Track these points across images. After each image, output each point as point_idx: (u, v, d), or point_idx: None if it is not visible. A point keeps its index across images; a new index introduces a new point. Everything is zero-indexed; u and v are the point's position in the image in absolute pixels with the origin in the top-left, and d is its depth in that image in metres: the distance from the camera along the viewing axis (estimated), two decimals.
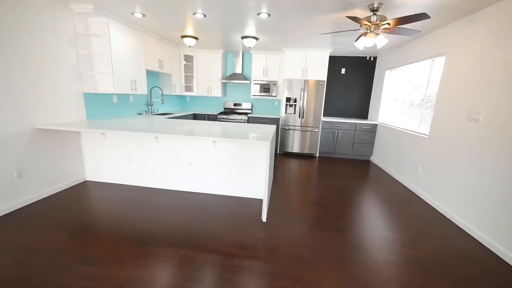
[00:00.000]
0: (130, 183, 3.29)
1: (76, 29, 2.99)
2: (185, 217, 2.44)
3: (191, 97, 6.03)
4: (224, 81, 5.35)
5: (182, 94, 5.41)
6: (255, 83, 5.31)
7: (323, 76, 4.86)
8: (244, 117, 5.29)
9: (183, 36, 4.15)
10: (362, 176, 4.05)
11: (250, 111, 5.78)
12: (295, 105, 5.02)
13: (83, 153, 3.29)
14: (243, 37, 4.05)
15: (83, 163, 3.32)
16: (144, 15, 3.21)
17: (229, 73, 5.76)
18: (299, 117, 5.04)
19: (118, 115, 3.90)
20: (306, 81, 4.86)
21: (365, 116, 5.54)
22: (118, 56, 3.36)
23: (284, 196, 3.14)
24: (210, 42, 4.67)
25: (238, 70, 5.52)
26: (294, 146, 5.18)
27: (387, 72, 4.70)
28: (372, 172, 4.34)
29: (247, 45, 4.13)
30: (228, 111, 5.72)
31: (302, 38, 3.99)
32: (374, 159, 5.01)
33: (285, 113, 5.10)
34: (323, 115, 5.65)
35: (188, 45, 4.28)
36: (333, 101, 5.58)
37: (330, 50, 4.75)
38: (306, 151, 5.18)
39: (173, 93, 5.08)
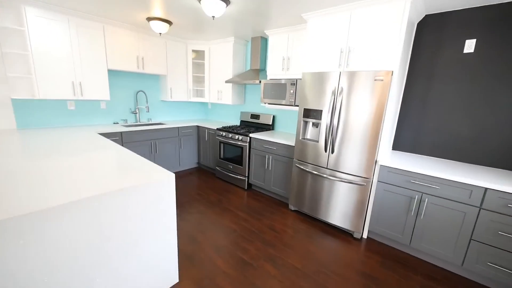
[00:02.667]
0: None
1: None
2: None
3: (214, 105, 4.76)
4: (231, 82, 3.65)
5: (189, 100, 4.26)
6: (266, 83, 3.22)
7: (392, 62, 2.05)
8: (245, 140, 3.34)
9: (149, 19, 2.95)
10: None
11: (270, 127, 3.70)
12: (319, 125, 2.50)
13: None
14: None
15: None
16: None
17: (245, 70, 3.98)
18: (327, 150, 2.46)
19: (79, 123, 3.31)
20: (347, 75, 2.25)
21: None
22: (44, 53, 2.67)
23: None
24: (220, 29, 3.17)
25: (255, 64, 3.63)
26: (315, 204, 2.64)
27: None
28: None
29: (208, 13, 2.29)
30: (236, 127, 3.95)
31: None
32: None
33: (302, 137, 2.68)
34: (390, 150, 2.61)
35: (158, 31, 3.03)
36: (425, 121, 2.41)
37: None
38: (337, 222, 2.49)
39: (170, 99, 4.03)
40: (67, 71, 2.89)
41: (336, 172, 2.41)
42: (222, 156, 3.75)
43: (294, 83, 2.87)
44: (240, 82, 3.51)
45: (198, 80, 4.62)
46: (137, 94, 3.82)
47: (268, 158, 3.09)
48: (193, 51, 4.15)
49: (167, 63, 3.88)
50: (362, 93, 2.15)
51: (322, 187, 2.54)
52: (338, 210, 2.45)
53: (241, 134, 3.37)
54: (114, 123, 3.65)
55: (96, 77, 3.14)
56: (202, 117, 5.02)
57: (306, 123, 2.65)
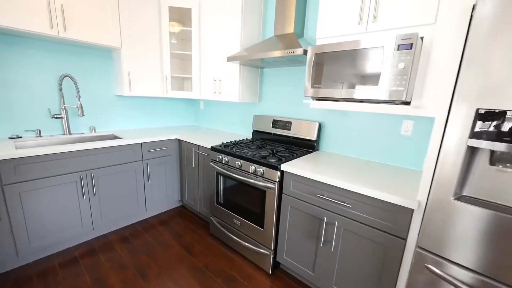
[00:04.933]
0: None
1: None
2: None
3: (209, 104, 2.98)
4: (240, 59, 1.89)
5: (166, 95, 2.49)
6: (320, 53, 1.45)
7: None
8: (270, 178, 1.57)
9: None
10: None
11: (312, 145, 1.94)
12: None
13: None
14: None
15: None
16: None
17: (262, 38, 2.20)
18: None
19: None
20: None
21: None
22: None
23: None
24: None
25: (285, 25, 1.87)
26: None
27: None
28: None
29: None
30: (247, 145, 2.19)
31: None
32: None
33: (458, 192, 0.92)
34: None
35: None
36: None
37: None
38: None
39: (129, 93, 2.26)
40: None
41: None
42: (221, 199, 1.99)
43: (408, 46, 1.11)
44: (256, 58, 1.75)
45: (181, 62, 2.86)
46: (62, 81, 2.04)
47: (331, 225, 1.34)
48: (172, 9, 2.38)
49: (121, 25, 2.11)
50: None
51: None
52: None
53: (261, 163, 1.61)
54: (12, 137, 1.87)
55: None
56: (189, 124, 3.24)
57: (476, 153, 0.90)
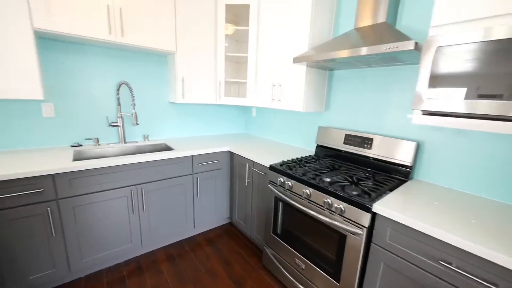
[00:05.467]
0: None
1: None
2: None
3: (263, 111, 2.69)
4: (311, 61, 1.52)
5: (218, 102, 2.29)
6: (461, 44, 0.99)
7: None
8: (358, 222, 1.16)
9: None
10: None
11: (406, 172, 1.45)
12: None
13: None
14: None
15: None
16: None
17: (335, 33, 1.76)
18: None
19: None
20: None
21: None
22: None
23: None
24: None
25: (380, 16, 1.42)
26: None
27: None
28: None
29: None
30: (312, 164, 1.79)
31: None
32: None
33: None
34: None
35: None
36: None
37: None
38: None
39: (181, 100, 2.11)
40: None
41: None
42: (280, 230, 1.65)
43: None
44: (338, 56, 1.35)
45: (235, 65, 2.63)
46: (119, 89, 1.98)
47: None
48: (228, 7, 2.16)
49: (176, 28, 1.96)
50: None
51: None
52: None
53: (342, 198, 1.21)
54: (73, 145, 1.87)
55: (6, 48, 1.36)
56: (239, 132, 3.01)
57: None
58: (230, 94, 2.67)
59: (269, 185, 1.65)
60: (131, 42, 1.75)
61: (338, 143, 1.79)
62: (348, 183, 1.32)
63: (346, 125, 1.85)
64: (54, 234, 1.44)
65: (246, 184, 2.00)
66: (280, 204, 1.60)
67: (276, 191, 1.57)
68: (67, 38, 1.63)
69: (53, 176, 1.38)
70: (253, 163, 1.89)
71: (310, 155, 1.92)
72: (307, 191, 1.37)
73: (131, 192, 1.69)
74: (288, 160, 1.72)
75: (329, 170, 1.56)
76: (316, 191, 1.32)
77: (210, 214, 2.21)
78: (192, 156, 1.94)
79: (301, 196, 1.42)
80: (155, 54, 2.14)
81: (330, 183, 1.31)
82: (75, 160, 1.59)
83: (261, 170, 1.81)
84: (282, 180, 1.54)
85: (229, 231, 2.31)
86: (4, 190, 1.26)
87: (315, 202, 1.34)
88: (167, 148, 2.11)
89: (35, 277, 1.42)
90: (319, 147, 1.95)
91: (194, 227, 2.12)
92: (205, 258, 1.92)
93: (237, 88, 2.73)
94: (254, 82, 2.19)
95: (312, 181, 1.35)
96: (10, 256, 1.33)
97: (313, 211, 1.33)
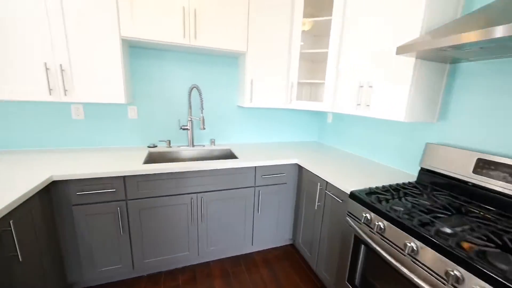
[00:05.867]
0: None
1: None
2: None
3: (340, 118, 2.26)
4: (429, 48, 1.04)
5: (288, 106, 2.02)
6: None
7: None
8: None
9: None
10: None
11: None
12: None
13: None
14: None
15: None
16: None
17: (463, 11, 1.15)
18: None
19: (89, 144, 1.86)
20: None
21: None
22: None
23: None
24: None
25: None
26: None
27: None
28: None
29: None
30: (413, 199, 1.25)
31: None
32: None
33: None
34: None
35: None
36: None
37: None
38: None
39: (249, 104, 1.94)
40: (40, 45, 1.37)
41: None
42: (358, 280, 1.22)
43: None
44: (462, 43, 0.83)
45: (311, 65, 2.29)
46: (191, 93, 1.98)
47: None
48: None
49: (249, 26, 1.79)
50: None
51: None
52: None
53: (496, 284, 0.71)
54: (150, 146, 1.98)
55: (97, 55, 1.49)
56: (310, 141, 2.63)
57: None
58: (302, 98, 2.34)
59: (347, 218, 1.25)
60: (203, 44, 1.69)
61: (462, 171, 1.20)
62: (494, 247, 0.79)
63: (477, 145, 1.23)
64: (121, 233, 1.49)
65: (316, 208, 1.64)
66: (363, 247, 1.18)
67: (358, 230, 1.15)
68: (144, 44, 1.70)
69: (124, 178, 1.42)
70: (326, 183, 1.51)
71: (409, 182, 1.39)
72: (413, 244, 0.91)
73: (191, 200, 1.61)
74: (378, 188, 1.26)
75: (449, 213, 1.02)
76: (431, 249, 0.85)
77: (270, 233, 1.95)
78: (256, 167, 1.73)
79: (401, 249, 0.96)
80: (224, 56, 2.06)
81: (459, 242, 0.82)
82: (145, 162, 1.64)
83: (337, 195, 1.42)
84: (368, 217, 1.12)
85: (289, 255, 1.99)
86: (81, 187, 1.35)
87: (426, 266, 0.87)
88: (231, 155, 1.98)
89: (104, 269, 1.51)
90: (425, 172, 1.39)
91: (252, 244, 1.91)
92: (260, 281, 1.68)
93: (309, 91, 2.37)
94: (334, 83, 1.79)
95: (424, 232, 0.88)
96: (88, 247, 1.44)
97: (420, 279, 0.86)
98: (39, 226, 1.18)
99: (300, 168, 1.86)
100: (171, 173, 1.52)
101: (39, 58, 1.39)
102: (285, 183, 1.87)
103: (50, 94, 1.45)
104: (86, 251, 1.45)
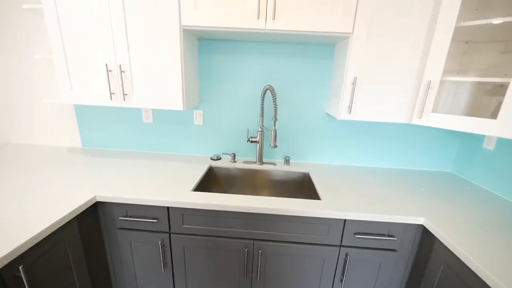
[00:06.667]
0: None
1: None
2: None
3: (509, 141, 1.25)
4: None
5: (415, 121, 1.21)
6: None
7: None
8: None
9: None
10: None
11: None
12: None
13: None
14: None
15: None
16: None
17: None
18: None
19: (152, 149, 1.76)
20: None
21: None
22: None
23: None
24: None
25: None
26: None
27: None
28: None
29: None
30: None
31: None
32: None
33: None
34: None
35: None
36: None
37: None
38: None
39: (347, 116, 1.27)
40: (103, 46, 1.23)
41: None
42: None
43: None
44: None
45: (465, 46, 1.32)
46: (264, 96, 1.49)
47: None
48: None
49: None
50: None
51: None
52: None
53: None
54: (213, 158, 1.68)
55: (154, 52, 1.23)
56: (443, 171, 1.65)
57: None
58: (438, 108, 1.41)
59: None
60: (284, 28, 1.15)
61: None
62: None
63: None
64: (163, 268, 1.23)
65: None
66: None
67: None
68: (209, 34, 1.32)
69: (167, 208, 1.13)
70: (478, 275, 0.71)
71: None
72: None
73: (246, 250, 1.17)
74: None
75: None
76: None
77: None
78: (345, 220, 1.09)
79: None
80: (312, 44, 1.44)
81: None
82: (200, 183, 1.31)
83: None
84: None
85: None
86: (124, 211, 1.15)
87: None
88: (309, 184, 1.40)
89: None
90: None
91: None
92: None
93: (454, 95, 1.40)
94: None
95: None
96: (130, 273, 1.27)
97: None
98: (86, 244, 1.04)
99: (428, 234, 1.06)
100: (221, 211, 1.12)
101: (102, 60, 1.25)
102: (395, 250, 1.14)
103: (111, 99, 1.31)
104: (131, 278, 1.28)
